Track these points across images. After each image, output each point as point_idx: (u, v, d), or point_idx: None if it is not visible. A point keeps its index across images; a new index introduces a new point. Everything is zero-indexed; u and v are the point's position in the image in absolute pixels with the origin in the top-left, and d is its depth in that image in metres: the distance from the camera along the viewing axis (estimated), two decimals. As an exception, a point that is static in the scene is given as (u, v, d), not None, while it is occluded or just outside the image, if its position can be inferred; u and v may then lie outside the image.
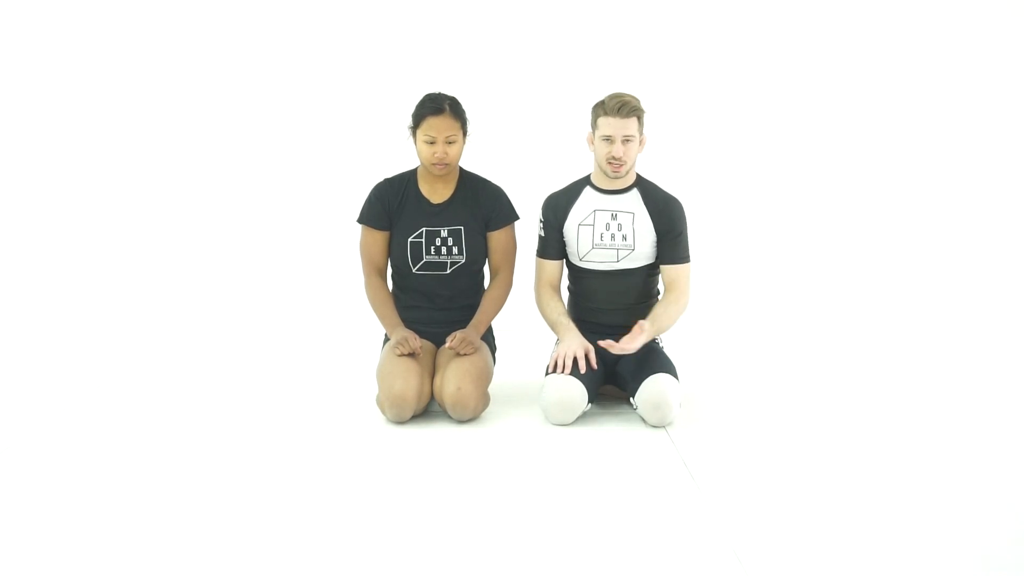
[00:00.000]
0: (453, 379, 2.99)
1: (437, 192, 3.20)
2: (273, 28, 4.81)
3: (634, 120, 3.05)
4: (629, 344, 3.02)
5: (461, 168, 3.24)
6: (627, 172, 3.12)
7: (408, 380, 2.97)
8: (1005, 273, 4.90)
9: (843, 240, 4.98)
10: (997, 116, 4.92)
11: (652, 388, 2.97)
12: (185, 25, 4.79)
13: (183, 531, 2.23)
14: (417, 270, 3.19)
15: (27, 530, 2.24)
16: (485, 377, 3.08)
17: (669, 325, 3.14)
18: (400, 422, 3.03)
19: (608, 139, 3.06)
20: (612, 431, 2.99)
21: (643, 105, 3.09)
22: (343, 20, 4.81)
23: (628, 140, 3.06)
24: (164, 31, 4.78)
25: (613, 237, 3.15)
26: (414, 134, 3.11)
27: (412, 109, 3.11)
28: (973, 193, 4.96)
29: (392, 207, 3.19)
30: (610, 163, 3.08)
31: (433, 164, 3.08)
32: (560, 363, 3.05)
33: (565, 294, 3.35)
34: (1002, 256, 4.94)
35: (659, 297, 3.29)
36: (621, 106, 3.03)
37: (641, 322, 3.07)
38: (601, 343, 3.04)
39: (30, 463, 2.70)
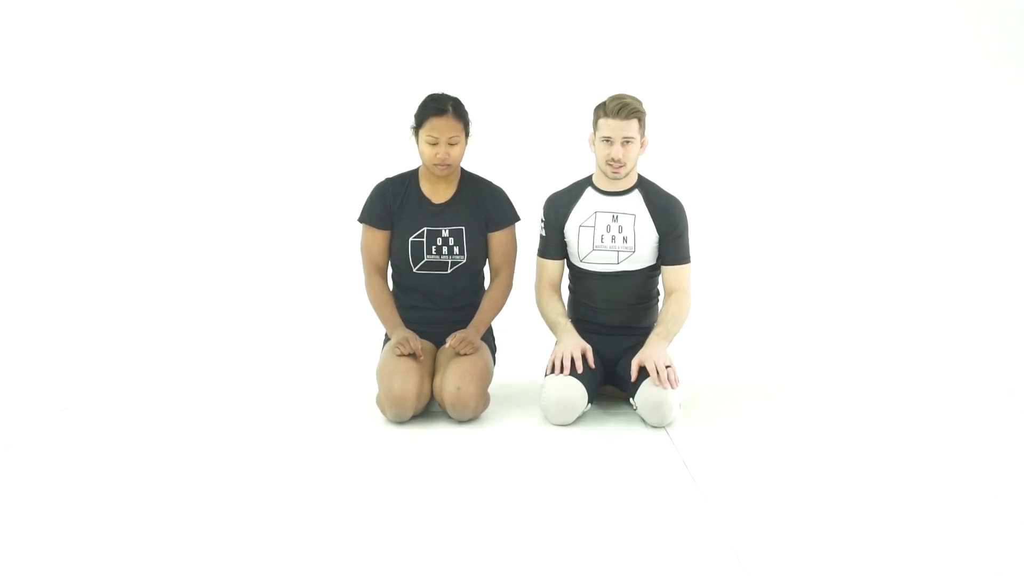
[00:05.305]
0: (453, 379, 2.99)
1: (438, 192, 3.20)
2: (274, 28, 4.81)
3: (634, 122, 3.05)
4: (655, 354, 2.99)
5: (462, 168, 3.24)
6: (627, 174, 3.12)
7: (408, 380, 2.97)
8: (1005, 273, 4.90)
9: (844, 241, 4.98)
10: (996, 117, 4.92)
11: (652, 388, 2.97)
12: (186, 26, 4.79)
13: (182, 531, 2.23)
14: (418, 270, 3.19)
15: (27, 529, 2.25)
16: (485, 377, 3.08)
17: (679, 329, 3.14)
18: (400, 422, 3.03)
19: (608, 140, 3.06)
20: (612, 431, 2.99)
21: (645, 107, 3.09)
22: (344, 20, 4.81)
23: (628, 142, 3.06)
24: (164, 32, 4.78)
25: (614, 239, 3.15)
26: (416, 134, 3.11)
27: (414, 109, 3.11)
28: (972, 193, 4.96)
29: (393, 206, 3.19)
30: (609, 164, 3.08)
31: (435, 165, 3.08)
32: (558, 364, 3.05)
33: (566, 294, 3.35)
34: (1002, 256, 4.94)
35: (658, 298, 3.30)
36: (621, 107, 3.03)
37: (654, 333, 3.07)
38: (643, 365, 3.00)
39: (30, 462, 2.70)
